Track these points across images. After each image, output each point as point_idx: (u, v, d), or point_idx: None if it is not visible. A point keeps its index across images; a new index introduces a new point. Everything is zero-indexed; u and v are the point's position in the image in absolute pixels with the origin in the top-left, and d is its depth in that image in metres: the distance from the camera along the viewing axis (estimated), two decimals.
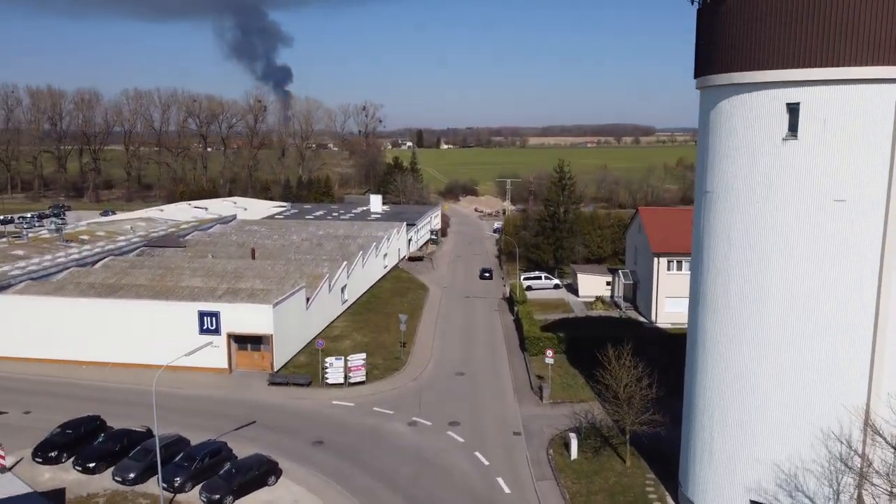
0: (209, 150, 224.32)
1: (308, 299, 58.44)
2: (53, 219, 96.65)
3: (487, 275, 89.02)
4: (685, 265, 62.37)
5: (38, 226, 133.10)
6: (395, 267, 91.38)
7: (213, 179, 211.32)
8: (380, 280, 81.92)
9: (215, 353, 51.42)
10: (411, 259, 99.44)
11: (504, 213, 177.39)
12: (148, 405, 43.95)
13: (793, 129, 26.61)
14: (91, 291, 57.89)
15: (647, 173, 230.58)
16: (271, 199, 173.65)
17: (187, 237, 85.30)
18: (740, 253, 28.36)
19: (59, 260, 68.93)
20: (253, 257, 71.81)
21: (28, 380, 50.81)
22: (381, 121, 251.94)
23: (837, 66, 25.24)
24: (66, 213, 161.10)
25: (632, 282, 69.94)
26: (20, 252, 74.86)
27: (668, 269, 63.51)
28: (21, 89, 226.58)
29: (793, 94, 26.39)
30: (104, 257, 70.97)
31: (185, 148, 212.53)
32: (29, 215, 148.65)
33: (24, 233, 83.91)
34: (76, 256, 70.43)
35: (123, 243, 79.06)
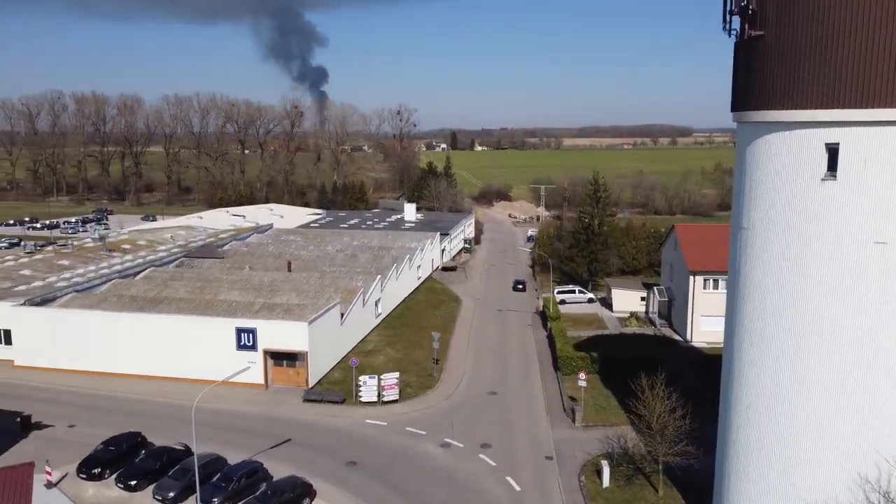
0: (247, 152, 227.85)
1: (343, 314, 59.18)
2: (97, 226, 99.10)
3: (521, 287, 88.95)
4: (721, 284, 61.59)
5: (83, 230, 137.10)
6: (429, 278, 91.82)
7: (251, 183, 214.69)
8: (413, 292, 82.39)
9: (252, 369, 52.43)
10: (444, 269, 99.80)
11: (538, 219, 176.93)
12: (186, 420, 45.19)
13: (832, 169, 26.23)
14: (133, 304, 59.48)
15: (684, 178, 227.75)
16: (307, 204, 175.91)
17: (225, 247, 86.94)
18: (777, 293, 28.01)
19: (103, 271, 70.89)
20: (289, 269, 72.89)
21: (72, 392, 52.40)
22: (415, 125, 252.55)
23: (878, 107, 24.83)
24: (109, 217, 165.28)
25: (667, 299, 69.28)
26: (66, 262, 77.16)
27: (704, 287, 62.78)
28: (67, 95, 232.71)
29: (832, 135, 26.02)
30: (146, 268, 72.74)
31: (224, 152, 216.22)
32: (73, 220, 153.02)
33: (70, 242, 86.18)
34: (119, 267, 72.33)
35: (164, 253, 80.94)
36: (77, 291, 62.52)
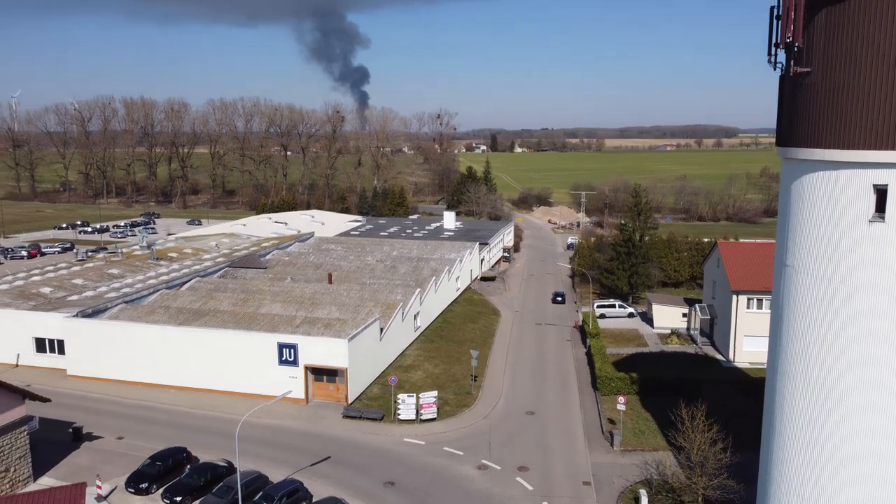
0: (289, 153, 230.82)
1: (382, 329, 59.82)
2: (145, 232, 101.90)
3: (560, 299, 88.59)
4: (766, 303, 60.54)
5: (131, 234, 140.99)
6: (468, 288, 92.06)
7: (293, 185, 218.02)
8: (452, 304, 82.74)
9: (293, 383, 53.45)
10: (484, 279, 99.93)
11: (578, 225, 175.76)
12: (228, 434, 46.43)
13: (880, 210, 25.66)
14: (179, 316, 61.07)
15: (728, 182, 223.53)
16: (347, 209, 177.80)
17: (267, 256, 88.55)
18: (821, 335, 27.52)
19: (151, 281, 72.92)
20: (330, 282, 73.91)
21: (121, 402, 54.06)
22: (455, 128, 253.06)
23: None
24: (156, 220, 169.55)
25: (709, 317, 68.26)
26: (115, 271, 79.57)
27: (748, 307, 61.70)
28: (117, 100, 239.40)
29: (881, 176, 25.46)
30: (191, 278, 74.57)
31: (267, 156, 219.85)
32: (122, 223, 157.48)
33: (119, 250, 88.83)
34: (165, 278, 74.30)
35: (209, 263, 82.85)
36: (126, 302, 64.44)
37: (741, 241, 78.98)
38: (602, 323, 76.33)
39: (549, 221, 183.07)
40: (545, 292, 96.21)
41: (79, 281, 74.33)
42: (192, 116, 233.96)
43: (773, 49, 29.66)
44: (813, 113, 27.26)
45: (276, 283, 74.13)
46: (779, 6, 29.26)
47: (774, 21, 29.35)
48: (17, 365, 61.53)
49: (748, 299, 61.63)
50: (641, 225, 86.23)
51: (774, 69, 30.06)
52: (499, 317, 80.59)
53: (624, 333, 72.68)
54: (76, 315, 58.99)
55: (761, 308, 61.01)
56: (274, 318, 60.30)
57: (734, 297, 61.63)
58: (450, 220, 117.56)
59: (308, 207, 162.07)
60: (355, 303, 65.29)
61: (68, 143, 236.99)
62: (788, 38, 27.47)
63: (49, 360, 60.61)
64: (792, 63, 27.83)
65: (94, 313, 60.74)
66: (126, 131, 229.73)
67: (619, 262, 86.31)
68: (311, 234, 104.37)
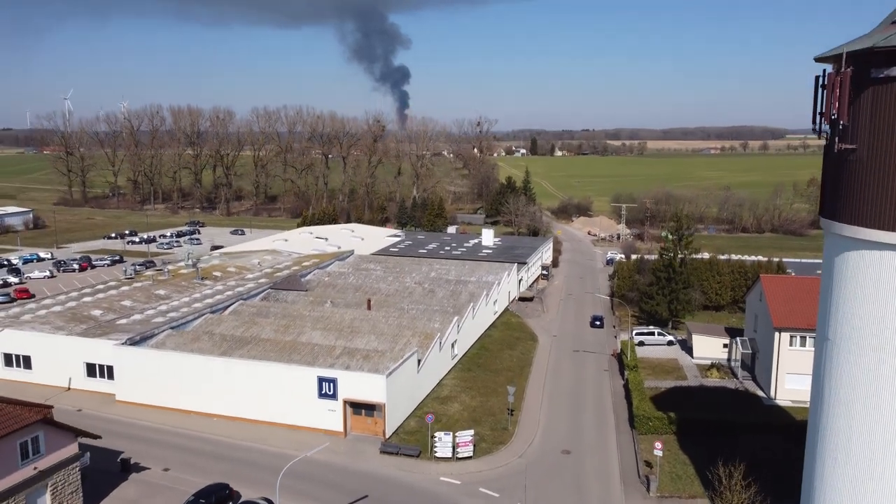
0: (330, 157, 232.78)
1: (420, 361, 60.41)
2: (189, 247, 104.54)
3: (598, 323, 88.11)
4: (809, 341, 59.36)
5: (176, 245, 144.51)
6: (506, 310, 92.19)
7: (333, 191, 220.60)
8: (489, 328, 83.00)
9: (332, 417, 54.45)
10: (522, 299, 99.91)
11: (618, 237, 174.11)
12: (269, 468, 47.66)
13: None
14: (223, 344, 62.61)
15: (774, 193, 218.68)
16: (386, 219, 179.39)
17: (308, 276, 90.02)
18: (864, 411, 27.12)
19: (196, 305, 74.82)
20: (369, 308, 74.85)
21: (167, 431, 55.68)
22: (495, 138, 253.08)
23: None
24: (200, 230, 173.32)
25: (750, 351, 67.20)
26: (162, 292, 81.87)
27: (791, 344, 60.56)
28: (165, 108, 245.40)
29: None
30: (235, 301, 76.29)
31: (309, 165, 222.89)
32: (168, 233, 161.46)
33: (166, 269, 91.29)
34: (210, 301, 76.18)
35: (252, 285, 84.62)
36: (172, 328, 66.31)
37: (785, 275, 77.38)
38: (640, 351, 75.71)
39: (589, 233, 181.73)
40: (583, 314, 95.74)
41: (127, 303, 76.69)
42: (237, 124, 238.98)
43: (819, 117, 29.25)
44: (858, 190, 26.86)
45: (317, 307, 75.35)
46: (824, 76, 28.92)
47: (820, 90, 28.99)
48: (69, 388, 63.84)
49: (791, 336, 60.50)
50: (682, 250, 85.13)
51: (819, 137, 29.63)
52: (536, 343, 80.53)
53: (663, 364, 71.99)
54: (125, 343, 60.96)
55: (805, 345, 59.85)
56: (314, 347, 61.39)
57: (777, 333, 60.58)
58: (488, 237, 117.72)
59: (348, 217, 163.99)
60: (394, 331, 66.06)
61: (118, 146, 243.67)
62: (833, 114, 27.10)
63: (99, 384, 62.74)
64: (837, 139, 27.45)
65: (142, 340, 62.69)
66: (173, 139, 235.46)
67: (660, 288, 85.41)
68: (351, 252, 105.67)
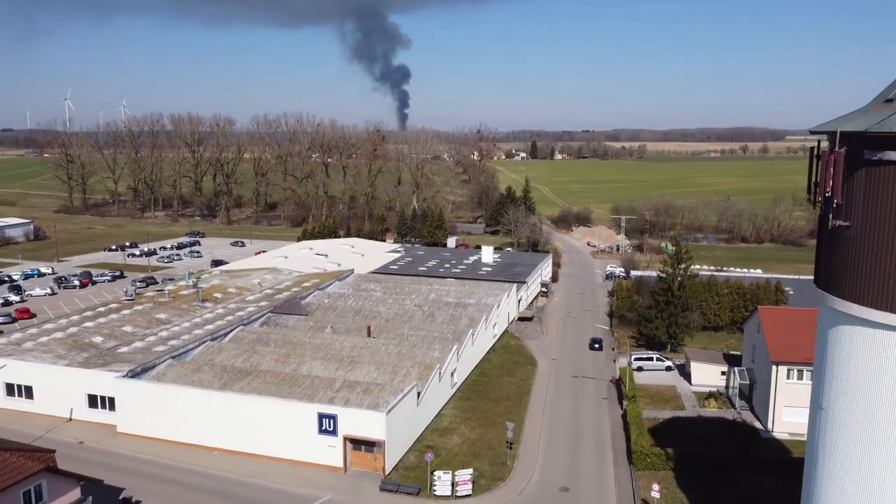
0: (330, 161, 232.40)
1: (419, 394, 60.76)
2: (191, 269, 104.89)
3: (597, 346, 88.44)
4: (807, 374, 59.70)
5: (177, 258, 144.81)
6: (505, 331, 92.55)
7: (334, 197, 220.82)
8: (489, 351, 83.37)
9: (332, 453, 54.82)
10: (521, 319, 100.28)
11: (617, 248, 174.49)
12: None
13: None
14: (224, 375, 62.94)
15: (773, 202, 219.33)
16: (387, 229, 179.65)
17: (308, 299, 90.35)
18: (856, 487, 27.43)
19: (197, 332, 75.15)
20: (369, 334, 75.21)
21: (168, 465, 55.95)
22: (495, 145, 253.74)
23: None
24: (201, 240, 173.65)
25: (748, 381, 67.54)
26: (163, 315, 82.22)
27: (788, 377, 60.92)
28: (165, 116, 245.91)
29: None
30: (235, 327, 76.63)
31: (309, 174, 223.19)
32: (168, 245, 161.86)
33: (166, 291, 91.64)
34: (210, 328, 76.55)
35: (252, 308, 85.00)
36: (173, 357, 66.67)
37: (783, 307, 77.61)
38: (639, 377, 76.06)
39: (589, 244, 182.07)
40: (583, 334, 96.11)
41: (128, 328, 77.03)
42: (238, 132, 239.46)
43: (814, 186, 29.56)
44: (853, 267, 27.11)
45: (317, 333, 75.71)
46: (818, 148, 29.27)
47: (814, 160, 29.32)
48: (70, 419, 64.19)
49: (788, 370, 60.87)
50: (681, 273, 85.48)
51: (814, 207, 29.89)
52: (535, 367, 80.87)
53: (661, 392, 72.33)
54: (126, 375, 61.31)
55: (802, 379, 60.20)
56: (314, 380, 61.73)
57: (774, 367, 60.93)
58: (487, 254, 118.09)
59: (348, 229, 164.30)
60: (393, 361, 66.41)
61: (118, 151, 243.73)
62: (827, 192, 27.39)
63: (100, 415, 63.06)
64: (831, 215, 27.74)
65: (143, 371, 63.05)
66: (174, 148, 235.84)
67: (658, 311, 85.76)
68: (351, 272, 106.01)
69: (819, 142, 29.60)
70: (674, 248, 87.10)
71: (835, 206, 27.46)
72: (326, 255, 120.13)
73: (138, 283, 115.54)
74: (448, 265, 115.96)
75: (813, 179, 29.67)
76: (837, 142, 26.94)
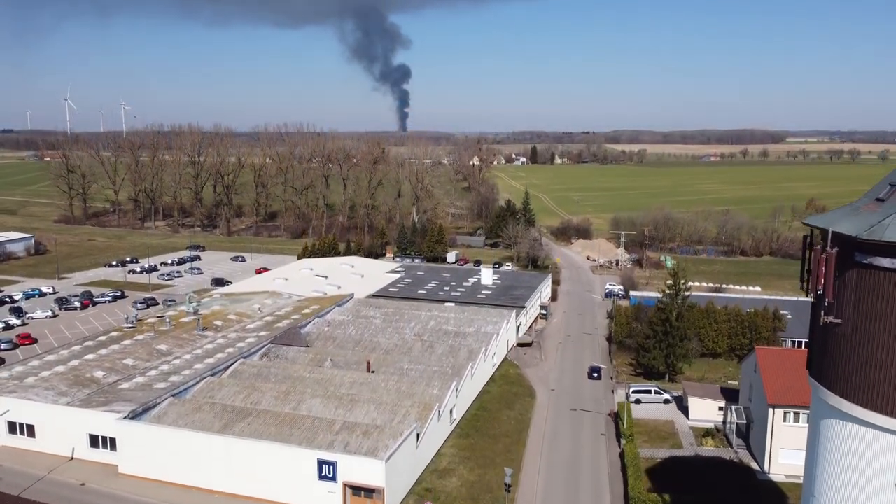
0: (330, 166, 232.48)
1: (419, 436, 61.19)
2: (191, 293, 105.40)
3: (596, 375, 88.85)
4: (803, 417, 60.11)
5: (178, 275, 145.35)
6: (504, 359, 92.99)
7: (333, 205, 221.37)
8: (488, 382, 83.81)
9: (332, 498, 55.26)
10: (520, 345, 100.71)
11: (617, 263, 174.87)
12: None
13: None
14: (224, 415, 63.31)
15: (773, 214, 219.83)
16: (387, 243, 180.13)
17: (308, 327, 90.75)
18: None
19: (197, 366, 75.58)
20: (368, 369, 75.65)
21: None
22: (496, 156, 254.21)
23: None
24: (201, 256, 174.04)
25: (745, 421, 67.96)
26: (164, 346, 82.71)
27: (785, 420, 61.35)
28: (166, 126, 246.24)
29: None
30: (235, 360, 77.06)
31: (309, 185, 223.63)
32: (169, 261, 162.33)
33: (167, 320, 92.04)
34: (211, 361, 77.03)
35: (252, 339, 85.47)
36: (173, 395, 67.08)
37: (780, 348, 77.92)
38: (637, 410, 76.51)
39: (588, 258, 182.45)
40: (582, 360, 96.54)
41: (129, 361, 77.46)
42: (238, 143, 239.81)
43: (806, 274, 29.98)
44: (844, 363, 27.51)
45: (317, 368, 76.14)
46: (811, 236, 29.71)
47: (808, 249, 29.75)
48: (72, 458, 64.63)
49: (785, 413, 61.29)
50: (679, 304, 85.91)
51: (806, 295, 30.33)
52: (534, 399, 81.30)
53: (659, 428, 72.75)
54: (127, 416, 61.75)
55: (799, 422, 60.62)
56: (314, 421, 62.13)
57: (771, 409, 61.35)
58: (487, 276, 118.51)
59: (348, 245, 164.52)
60: (393, 400, 66.83)
61: (118, 169, 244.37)
62: (819, 290, 27.79)
63: (102, 455, 63.51)
64: (823, 312, 28.13)
65: (144, 411, 63.45)
66: (173, 159, 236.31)
67: (657, 341, 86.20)
68: (351, 296, 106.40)
69: (812, 231, 30.07)
70: (673, 266, 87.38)
71: (826, 303, 27.89)
72: (326, 277, 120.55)
73: (139, 306, 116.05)
74: (447, 287, 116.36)
75: (806, 267, 30.22)
76: (829, 241, 27.37)
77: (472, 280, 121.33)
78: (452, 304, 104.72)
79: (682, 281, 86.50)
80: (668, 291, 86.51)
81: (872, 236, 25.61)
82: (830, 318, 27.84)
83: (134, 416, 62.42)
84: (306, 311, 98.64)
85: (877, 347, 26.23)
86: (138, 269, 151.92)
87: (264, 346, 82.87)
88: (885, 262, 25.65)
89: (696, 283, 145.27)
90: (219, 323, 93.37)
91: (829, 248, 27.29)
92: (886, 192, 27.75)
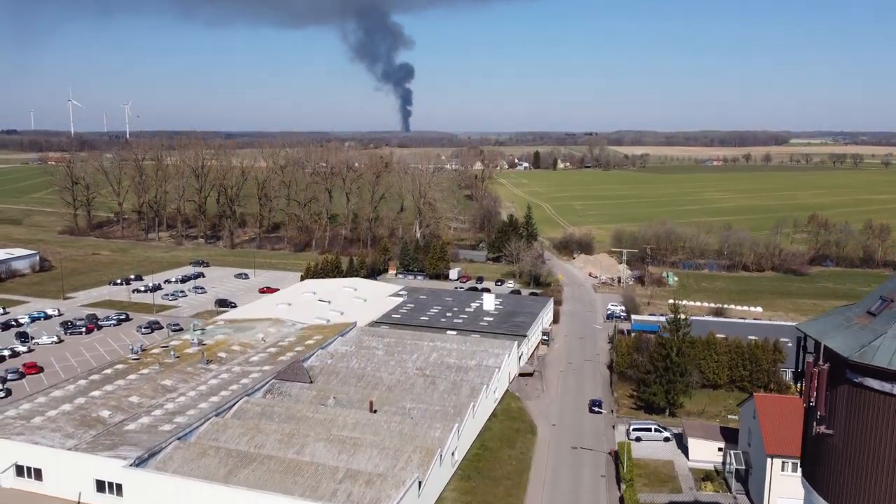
0: (333, 178, 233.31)
1: (420, 484, 61.93)
2: (195, 322, 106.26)
3: (597, 408, 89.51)
4: None
5: (181, 295, 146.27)
6: (506, 391, 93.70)
7: (336, 216, 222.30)
8: (489, 418, 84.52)
9: None
10: (522, 375, 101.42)
11: (619, 280, 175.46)
12: None
13: None
14: (228, 461, 64.14)
15: (775, 228, 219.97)
16: (389, 259, 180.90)
17: (310, 360, 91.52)
18: None
19: (202, 406, 76.35)
20: (371, 409, 76.41)
21: None
22: (498, 161, 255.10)
23: None
24: (204, 272, 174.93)
25: (744, 466, 68.59)
26: (168, 382, 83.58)
27: (783, 469, 61.98)
28: (169, 128, 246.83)
29: None
30: (239, 398, 77.88)
31: (312, 198, 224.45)
32: (173, 279, 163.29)
33: (172, 352, 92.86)
34: (215, 399, 77.83)
35: (256, 373, 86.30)
36: (178, 439, 67.92)
37: (779, 395, 78.37)
38: (637, 448, 77.15)
39: (590, 274, 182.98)
40: (583, 391, 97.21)
41: (135, 399, 78.31)
42: (241, 155, 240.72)
43: (798, 376, 30.57)
44: (834, 473, 28.16)
45: (320, 407, 76.90)
46: (805, 339, 30.31)
47: (801, 351, 30.36)
48: (79, 502, 65.49)
49: (783, 462, 61.88)
50: (678, 341, 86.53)
51: (798, 396, 30.97)
52: (535, 436, 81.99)
53: (658, 470, 73.40)
54: (132, 463, 62.59)
55: (797, 471, 61.09)
56: (317, 469, 62.89)
57: (769, 459, 61.95)
58: (489, 302, 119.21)
59: (351, 263, 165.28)
60: (396, 445, 67.55)
61: (122, 180, 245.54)
62: (811, 402, 28.41)
63: (108, 500, 64.34)
64: (815, 422, 28.75)
65: (150, 456, 64.31)
66: (178, 170, 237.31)
67: (657, 376, 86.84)
68: (353, 325, 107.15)
69: (805, 336, 30.67)
70: (674, 302, 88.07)
71: (818, 415, 28.50)
72: (329, 302, 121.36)
73: (143, 331, 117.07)
74: (449, 314, 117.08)
75: (799, 369, 30.83)
76: (822, 354, 27.98)
77: (474, 305, 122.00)
78: (454, 333, 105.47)
79: (684, 318, 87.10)
80: (668, 327, 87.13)
81: (863, 359, 26.21)
82: (822, 429, 28.44)
83: (139, 462, 63.28)
84: (309, 341, 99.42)
85: (867, 463, 26.83)
86: (142, 288, 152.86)
87: (268, 381, 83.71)
88: (875, 384, 26.24)
89: (698, 304, 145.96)
90: (223, 354, 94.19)
91: (821, 363, 27.92)
92: (877, 307, 28.35)
